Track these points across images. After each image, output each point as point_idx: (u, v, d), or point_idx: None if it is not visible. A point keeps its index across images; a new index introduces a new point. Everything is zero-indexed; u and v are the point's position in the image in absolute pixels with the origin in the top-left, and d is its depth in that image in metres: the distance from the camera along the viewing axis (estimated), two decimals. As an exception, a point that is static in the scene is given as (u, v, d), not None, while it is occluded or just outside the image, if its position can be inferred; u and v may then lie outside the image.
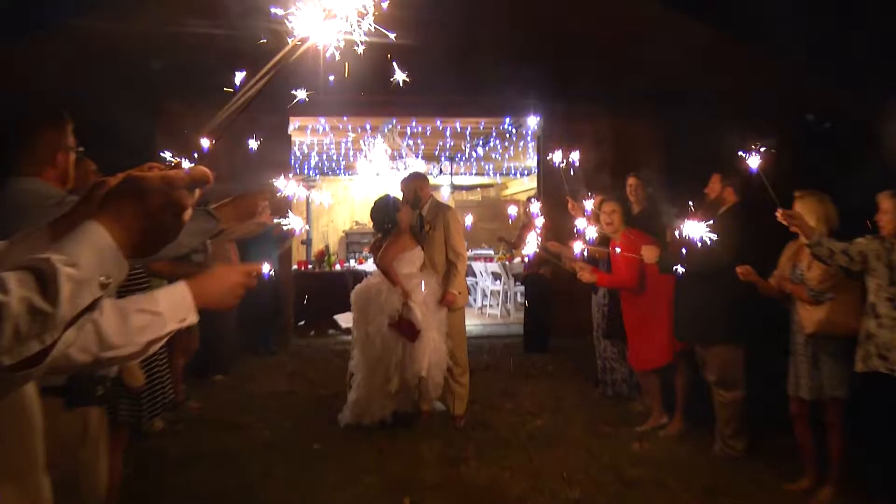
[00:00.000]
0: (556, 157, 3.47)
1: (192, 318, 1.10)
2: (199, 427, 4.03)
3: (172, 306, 1.07)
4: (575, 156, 3.46)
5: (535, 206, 4.83)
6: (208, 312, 1.15)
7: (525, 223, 6.92)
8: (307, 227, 10.89)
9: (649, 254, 3.45)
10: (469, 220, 4.09)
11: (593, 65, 5.55)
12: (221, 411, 4.35)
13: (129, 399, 2.41)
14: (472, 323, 7.91)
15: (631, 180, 4.15)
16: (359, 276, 7.31)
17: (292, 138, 7.13)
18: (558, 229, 4.38)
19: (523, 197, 11.30)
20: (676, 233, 2.73)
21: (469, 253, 7.70)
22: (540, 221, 3.86)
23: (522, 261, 7.11)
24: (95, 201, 0.79)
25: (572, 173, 3.62)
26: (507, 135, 8.08)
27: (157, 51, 4.88)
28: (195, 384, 4.75)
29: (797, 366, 2.98)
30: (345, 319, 7.06)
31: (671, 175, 4.91)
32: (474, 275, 9.20)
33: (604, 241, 4.14)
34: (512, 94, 6.16)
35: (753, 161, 2.27)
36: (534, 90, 6.04)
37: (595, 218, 3.77)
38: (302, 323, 7.17)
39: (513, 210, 4.48)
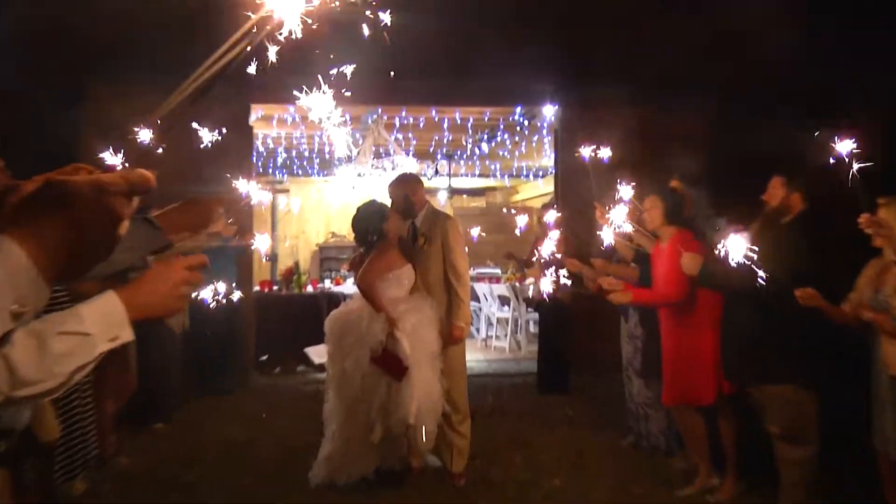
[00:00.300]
0: (582, 152, 3.47)
1: (127, 335, 1.07)
2: (132, 488, 3.96)
3: (102, 323, 1.04)
4: (604, 152, 3.46)
5: (551, 215, 4.85)
6: (146, 344, 1.13)
7: (539, 235, 6.92)
8: (272, 242, 10.86)
9: (690, 262, 3.44)
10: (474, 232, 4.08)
11: (619, 44, 5.60)
12: (161, 468, 4.28)
13: (41, 456, 2.37)
14: (475, 358, 7.87)
15: (674, 184, 4.16)
16: (335, 299, 7.28)
17: (254, 130, 7.14)
18: (580, 243, 4.39)
19: (537, 203, 11.32)
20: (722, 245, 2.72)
21: (471, 272, 7.70)
22: (557, 234, 3.86)
23: (537, 281, 7.09)
24: (7, 211, 0.77)
25: (596, 173, 3.62)
26: (518, 128, 8.12)
27: (83, 19, 4.86)
28: (129, 434, 4.69)
29: (882, 414, 2.94)
30: (318, 353, 7.02)
31: (717, 175, 4.92)
32: (477, 299, 9.19)
33: (638, 258, 4.14)
34: (523, 79, 6.20)
35: (844, 145, 2.25)
36: (550, 74, 6.08)
37: (634, 217, 3.76)
38: (265, 358, 7.12)
39: (522, 220, 4.47)
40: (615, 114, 5.91)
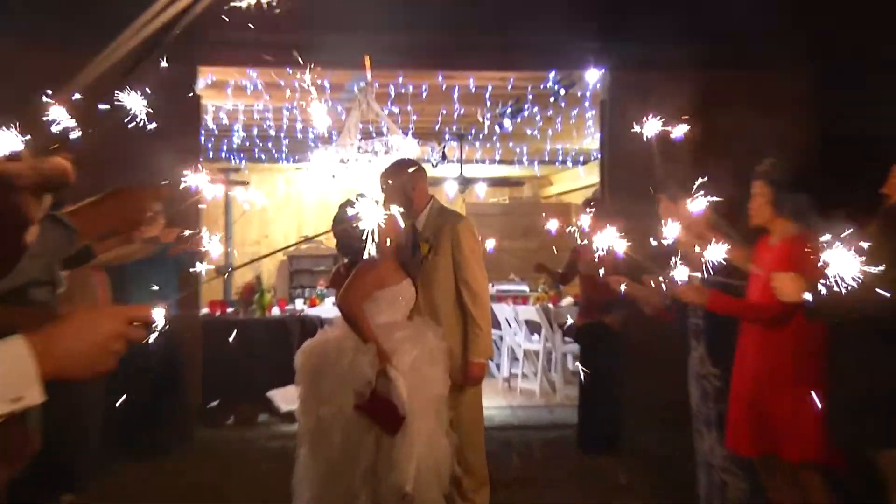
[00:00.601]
0: (637, 130, 3.45)
1: (34, 396, 1.06)
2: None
3: (1, 377, 1.04)
4: (668, 128, 3.45)
5: (586, 219, 4.81)
6: (54, 387, 1.11)
7: (580, 241, 6.90)
8: (230, 248, 10.89)
9: (788, 285, 3.39)
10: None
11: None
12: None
13: None
14: (495, 404, 7.87)
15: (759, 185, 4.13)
16: (310, 325, 7.27)
17: (203, 102, 7.17)
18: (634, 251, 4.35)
19: (577, 198, 11.31)
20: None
21: (491, 289, 7.62)
22: (603, 239, 3.83)
23: (579, 300, 7.05)
24: None
25: (658, 157, 3.61)
26: (552, 99, 8.11)
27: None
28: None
29: None
30: (285, 398, 7.00)
31: (819, 162, 4.89)
32: (498, 325, 9.19)
33: (716, 271, 4.09)
34: (558, 34, 6.20)
35: None
36: (594, 27, 6.07)
37: (702, 226, 3.73)
38: (214, 404, 7.10)
39: (557, 221, 4.45)
40: (680, 80, 5.87)
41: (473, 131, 10.28)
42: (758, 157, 4.18)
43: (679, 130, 3.49)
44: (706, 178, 3.43)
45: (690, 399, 4.56)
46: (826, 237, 3.15)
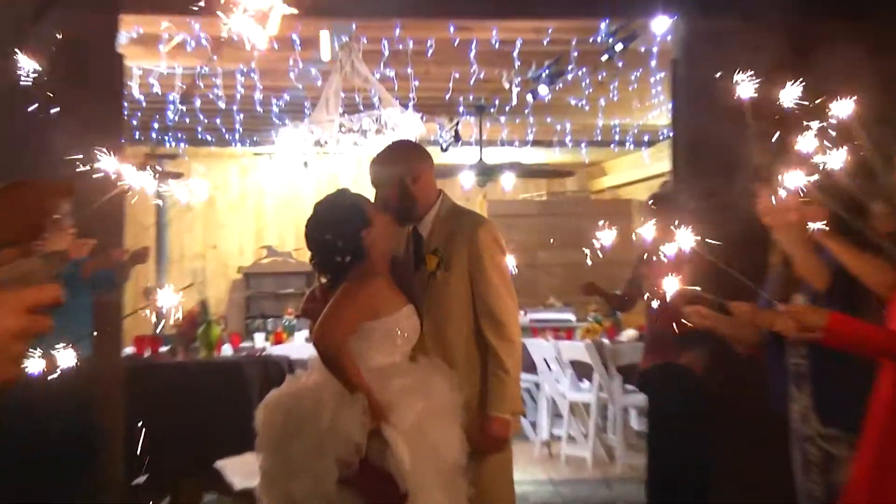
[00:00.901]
0: (733, 96, 3.46)
1: None
2: None
3: None
4: (788, 93, 3.45)
5: (649, 225, 4.77)
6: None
7: (645, 253, 6.90)
8: (162, 265, 10.89)
9: None
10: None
11: None
12: None
13: None
14: (531, 478, 7.92)
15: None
16: (274, 370, 7.26)
17: (126, 63, 7.20)
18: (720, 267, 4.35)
19: (640, 193, 11.30)
20: None
21: (523, 319, 7.55)
22: (673, 248, 3.83)
23: (644, 333, 7.04)
24: None
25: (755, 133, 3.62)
26: (606, 57, 8.12)
27: None
28: None
29: None
30: (241, 469, 7.00)
31: None
32: (533, 368, 9.19)
33: (836, 289, 4.08)
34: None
35: None
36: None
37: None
38: (142, 480, 7.11)
39: (607, 238, 4.36)
40: (779, 30, 5.88)
41: (497, 102, 10.31)
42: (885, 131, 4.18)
43: (783, 98, 3.49)
44: (823, 166, 3.42)
45: (793, 462, 4.53)
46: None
